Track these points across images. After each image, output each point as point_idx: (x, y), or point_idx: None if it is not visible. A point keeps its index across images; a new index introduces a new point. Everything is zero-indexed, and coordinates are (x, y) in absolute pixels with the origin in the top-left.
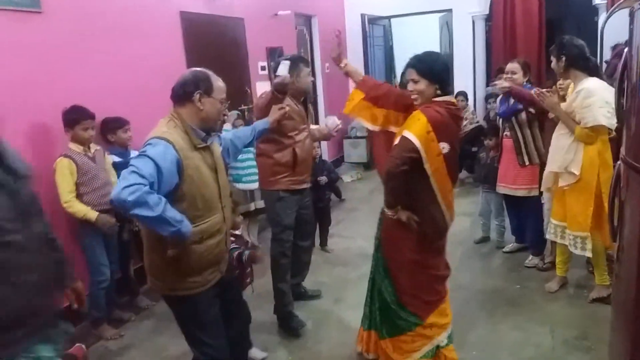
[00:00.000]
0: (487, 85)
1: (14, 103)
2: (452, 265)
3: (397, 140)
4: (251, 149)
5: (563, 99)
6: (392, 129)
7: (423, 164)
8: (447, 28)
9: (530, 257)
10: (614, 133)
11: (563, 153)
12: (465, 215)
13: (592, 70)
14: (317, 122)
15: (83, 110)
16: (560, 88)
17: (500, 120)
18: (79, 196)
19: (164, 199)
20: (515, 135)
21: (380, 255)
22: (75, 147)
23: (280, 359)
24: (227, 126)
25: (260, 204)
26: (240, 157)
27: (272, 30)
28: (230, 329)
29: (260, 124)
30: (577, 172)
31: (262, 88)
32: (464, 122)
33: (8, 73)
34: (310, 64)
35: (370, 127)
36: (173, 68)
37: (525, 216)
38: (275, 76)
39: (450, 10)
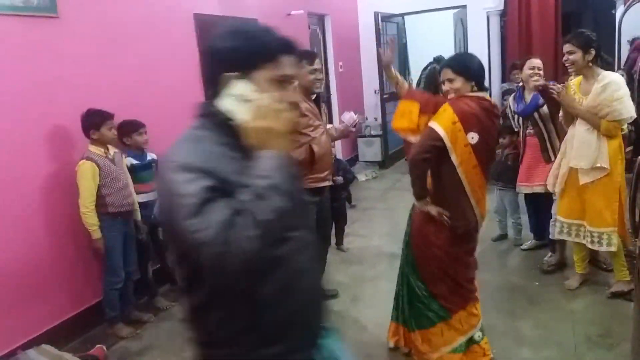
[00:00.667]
0: (503, 81)
1: (33, 107)
2: None
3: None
4: None
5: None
6: None
7: (449, 155)
8: (461, 24)
9: (550, 254)
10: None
11: (592, 149)
12: None
13: (606, 65)
14: (331, 122)
15: (103, 112)
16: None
17: (520, 119)
18: (102, 197)
19: None
20: (539, 131)
21: (410, 250)
22: (96, 150)
23: None
24: None
25: None
26: None
27: (285, 30)
28: None
29: None
30: (607, 166)
31: None
32: None
33: (25, 78)
34: (316, 59)
35: (413, 139)
36: (188, 70)
37: (545, 212)
38: None
39: (464, 7)
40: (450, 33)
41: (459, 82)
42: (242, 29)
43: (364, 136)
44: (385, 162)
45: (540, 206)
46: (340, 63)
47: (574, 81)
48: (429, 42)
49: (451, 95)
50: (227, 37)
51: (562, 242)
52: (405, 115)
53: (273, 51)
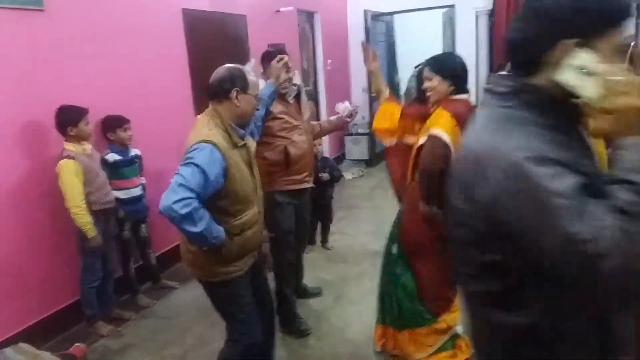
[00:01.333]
0: None
1: (16, 101)
2: None
3: (422, 140)
4: None
5: None
6: (409, 139)
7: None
8: (450, 24)
9: None
10: None
11: None
12: None
13: None
14: (318, 119)
15: (78, 107)
16: None
17: None
18: (85, 196)
19: (207, 215)
20: None
21: (402, 250)
22: (73, 147)
23: (281, 356)
24: None
25: None
26: None
27: (274, 27)
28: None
29: (265, 90)
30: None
31: (263, 85)
32: None
33: (9, 71)
34: (283, 53)
35: (389, 143)
36: (175, 66)
37: None
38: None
39: (453, 6)
40: (439, 32)
41: (435, 81)
42: None
43: (351, 134)
44: (372, 161)
45: None
46: (329, 60)
47: None
48: (417, 42)
49: (430, 94)
50: None
51: None
52: (387, 115)
53: (623, 13)
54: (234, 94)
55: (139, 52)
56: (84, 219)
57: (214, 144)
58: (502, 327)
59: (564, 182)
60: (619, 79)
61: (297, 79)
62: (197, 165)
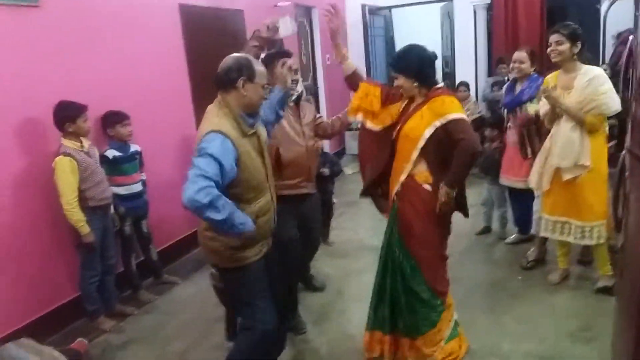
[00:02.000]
0: (489, 75)
1: (12, 98)
2: (454, 257)
3: (429, 130)
4: None
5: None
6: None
7: None
8: (448, 18)
9: (532, 249)
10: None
11: (575, 148)
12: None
13: (586, 62)
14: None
15: (77, 103)
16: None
17: (505, 111)
18: (81, 192)
19: (229, 202)
20: (519, 127)
21: (405, 250)
22: (71, 144)
23: None
24: None
25: None
26: None
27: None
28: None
29: (274, 97)
30: (588, 164)
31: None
32: (466, 113)
33: (5, 68)
34: (291, 55)
35: (369, 124)
36: (172, 61)
37: (528, 207)
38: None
39: (451, 0)
40: (438, 26)
41: (401, 80)
42: None
43: (351, 129)
44: None
45: (523, 200)
46: (328, 55)
47: (551, 76)
48: (416, 36)
49: (401, 90)
50: None
51: (543, 237)
52: (369, 96)
53: None
54: (240, 83)
55: (136, 48)
56: (75, 216)
57: (224, 134)
58: None
59: None
60: None
61: (300, 86)
62: (211, 155)
